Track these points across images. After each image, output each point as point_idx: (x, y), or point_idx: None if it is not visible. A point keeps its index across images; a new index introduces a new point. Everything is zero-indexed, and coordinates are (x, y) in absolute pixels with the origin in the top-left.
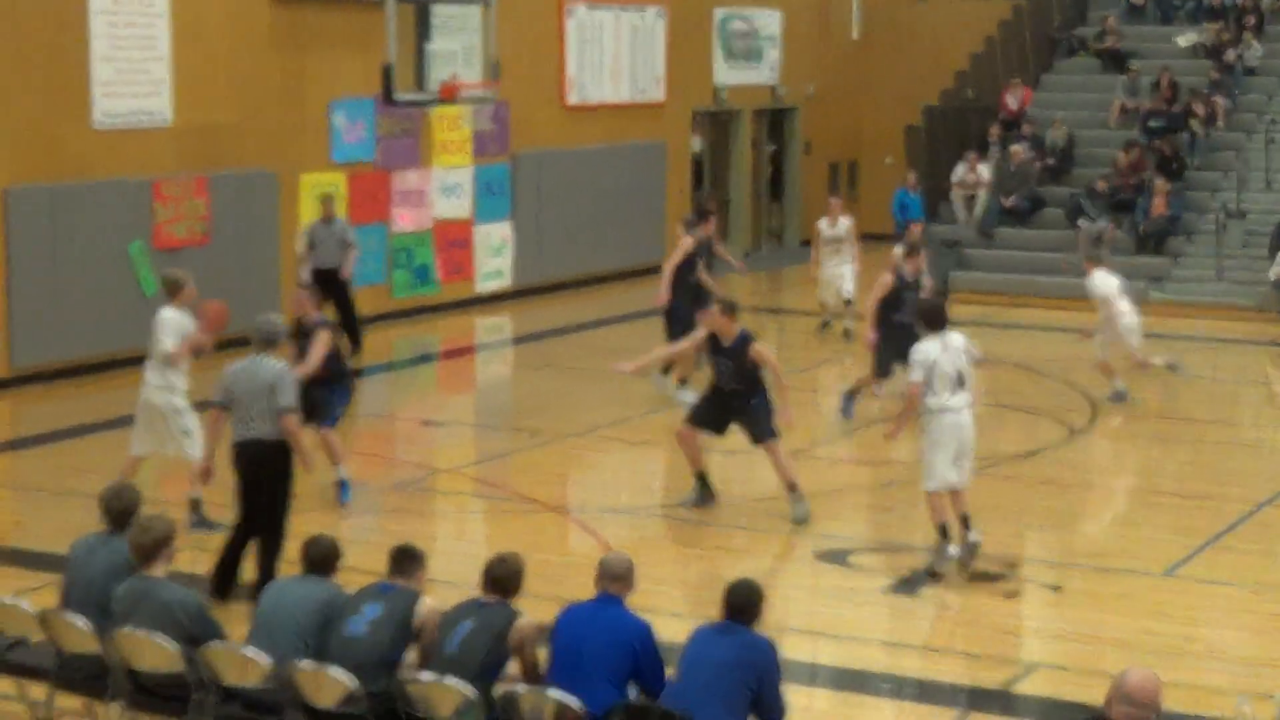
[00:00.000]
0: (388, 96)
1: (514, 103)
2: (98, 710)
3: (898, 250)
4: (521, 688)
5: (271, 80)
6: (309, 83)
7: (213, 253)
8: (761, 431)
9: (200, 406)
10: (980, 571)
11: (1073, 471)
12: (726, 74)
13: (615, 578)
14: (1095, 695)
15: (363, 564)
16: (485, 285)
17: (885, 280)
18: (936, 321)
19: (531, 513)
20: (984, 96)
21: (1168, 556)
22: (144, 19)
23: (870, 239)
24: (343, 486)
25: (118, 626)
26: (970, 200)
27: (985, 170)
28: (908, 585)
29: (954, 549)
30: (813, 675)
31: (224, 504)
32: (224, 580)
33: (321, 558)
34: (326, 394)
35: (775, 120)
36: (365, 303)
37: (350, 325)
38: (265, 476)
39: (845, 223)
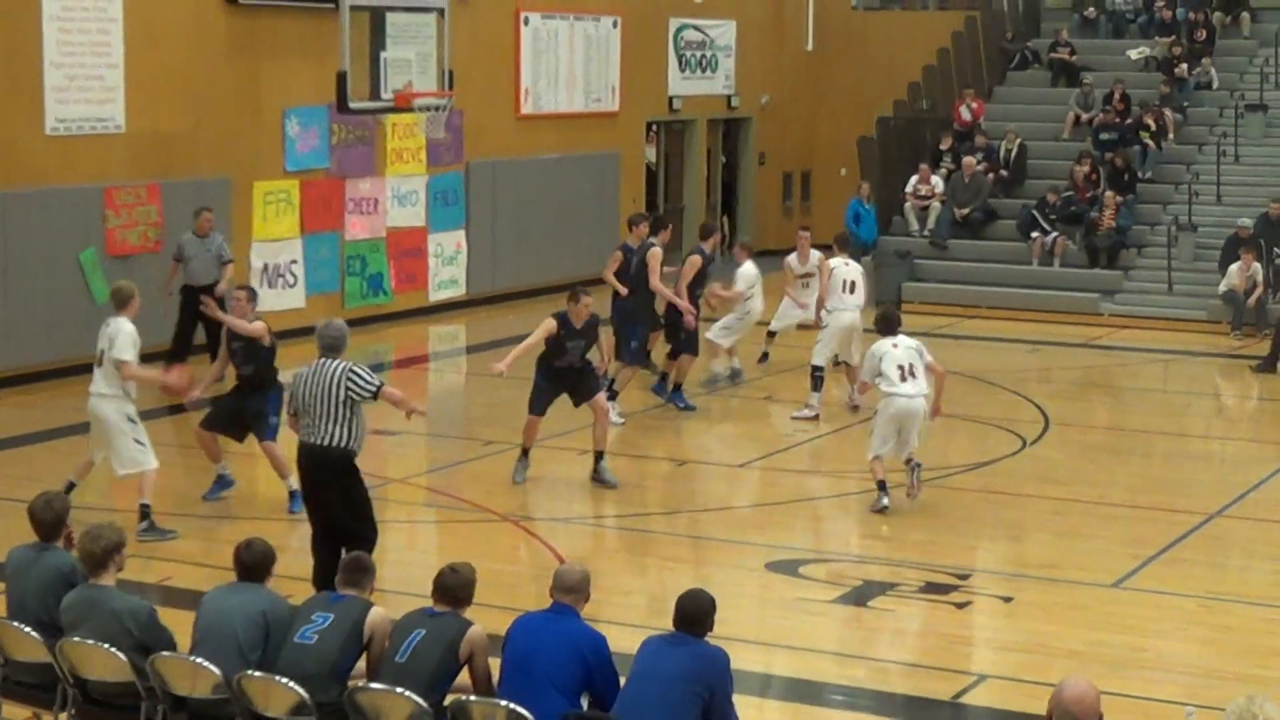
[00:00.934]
0: (342, 104)
1: (468, 112)
2: None
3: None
4: (472, 698)
5: (225, 87)
6: (263, 90)
7: (165, 260)
8: (595, 386)
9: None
10: (932, 583)
11: (1024, 482)
12: (681, 84)
13: (568, 589)
14: (1045, 707)
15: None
16: (439, 294)
17: (694, 260)
18: (889, 326)
19: (484, 522)
20: (937, 108)
21: (1118, 568)
22: (97, 25)
23: (824, 250)
24: (292, 497)
25: (66, 635)
26: (924, 211)
27: (938, 181)
28: (859, 596)
29: (886, 500)
30: (764, 686)
31: (175, 512)
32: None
33: (256, 563)
34: (261, 404)
35: (729, 130)
36: (318, 311)
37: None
38: (325, 483)
39: (816, 255)
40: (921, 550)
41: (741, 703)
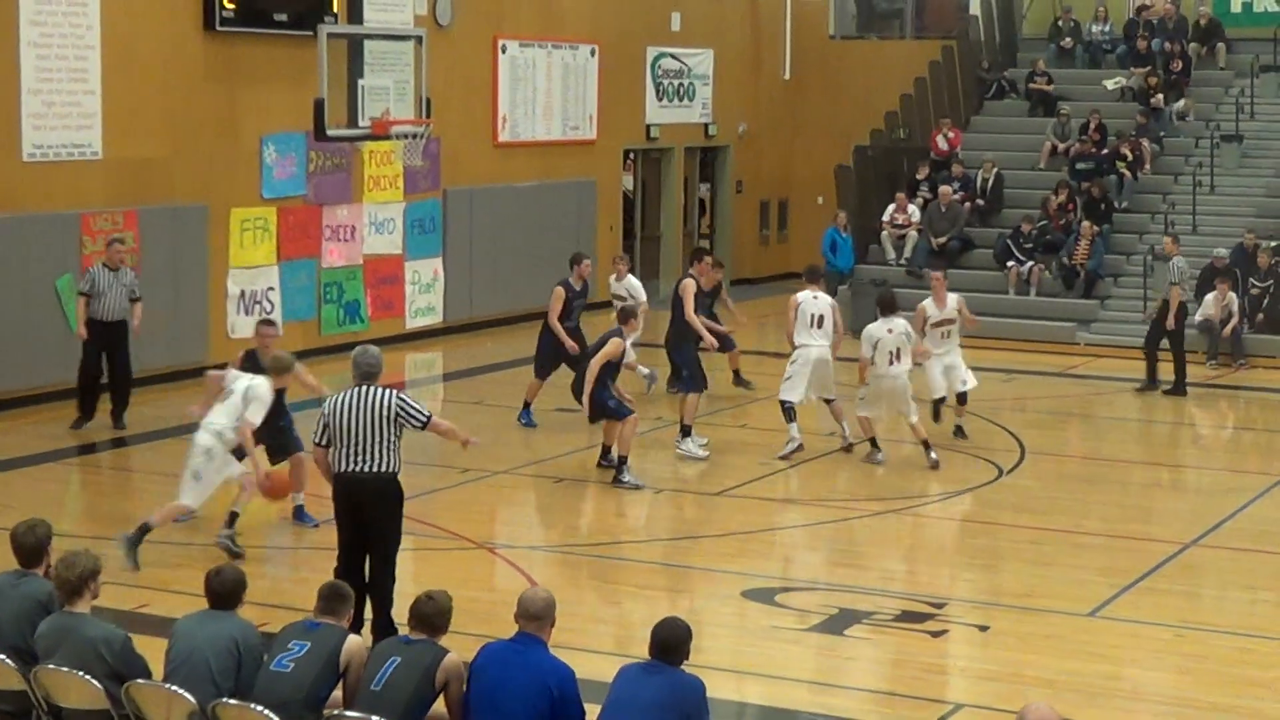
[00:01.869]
0: (319, 132)
1: (446, 139)
2: None
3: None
4: None
5: (203, 114)
6: (240, 117)
7: (142, 286)
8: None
9: None
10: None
11: (1000, 512)
12: (658, 112)
13: (533, 616)
14: None
15: (289, 601)
16: (415, 321)
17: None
18: (888, 307)
19: (459, 549)
20: (914, 137)
21: (1093, 597)
22: (75, 51)
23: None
24: (299, 511)
25: (41, 663)
26: (900, 240)
27: (915, 210)
28: (834, 625)
29: (881, 455)
30: (739, 714)
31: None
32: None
33: (227, 591)
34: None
35: (706, 159)
36: (294, 338)
37: (123, 384)
38: (372, 510)
39: (955, 299)
40: (897, 579)
41: None
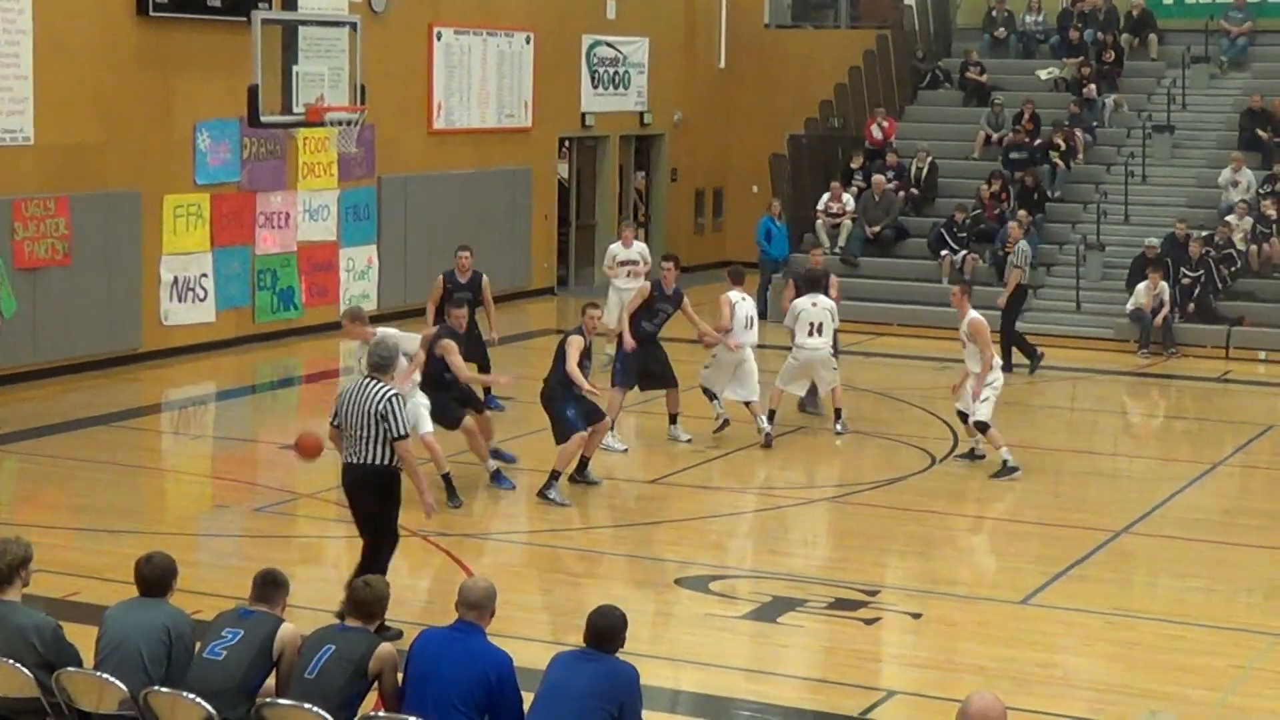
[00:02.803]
0: (253, 118)
1: (380, 126)
2: None
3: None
4: (382, 715)
5: (136, 100)
6: (174, 103)
7: (74, 273)
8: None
9: None
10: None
11: (933, 499)
12: (593, 100)
13: (472, 605)
14: None
15: (222, 589)
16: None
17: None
18: (815, 285)
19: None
20: (849, 126)
21: (1026, 584)
22: (6, 36)
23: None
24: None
25: None
26: (835, 229)
27: (850, 199)
28: (768, 612)
29: (769, 428)
30: (673, 702)
31: (87, 527)
32: None
33: (157, 578)
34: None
35: (642, 147)
36: (228, 325)
37: None
38: (362, 499)
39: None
40: (831, 567)
41: (651, 719)
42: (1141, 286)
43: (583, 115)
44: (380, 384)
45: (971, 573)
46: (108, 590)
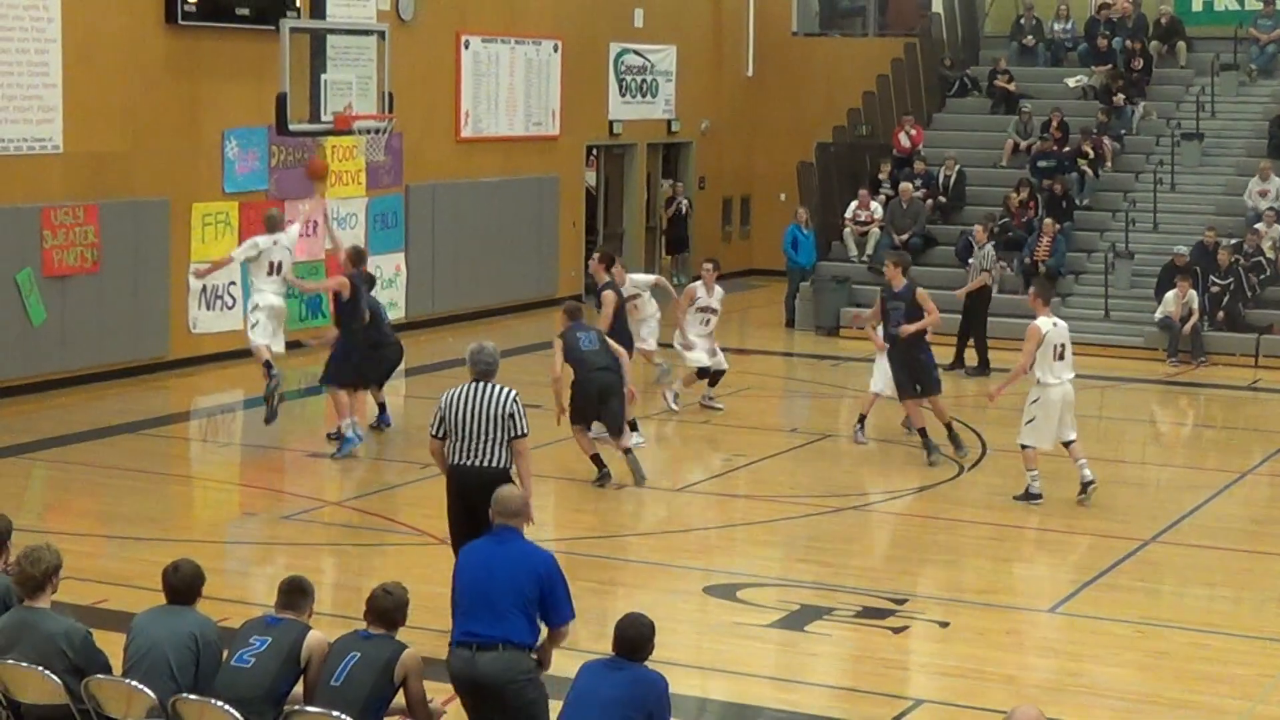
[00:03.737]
0: (282, 126)
1: (408, 134)
2: None
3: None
4: None
5: (165, 108)
6: (203, 111)
7: (103, 281)
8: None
9: None
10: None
11: (961, 508)
12: (621, 108)
13: (512, 513)
14: None
15: (250, 596)
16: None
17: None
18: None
19: (421, 545)
20: (877, 134)
21: (1054, 593)
22: (35, 45)
23: (763, 274)
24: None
25: (0, 658)
26: (863, 237)
27: (877, 207)
28: (796, 621)
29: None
30: (701, 710)
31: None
32: None
33: (185, 585)
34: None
35: (669, 155)
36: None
37: None
38: (483, 504)
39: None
40: (859, 575)
41: None
42: (1170, 295)
43: (610, 123)
44: (499, 385)
45: (1000, 581)
46: (136, 597)
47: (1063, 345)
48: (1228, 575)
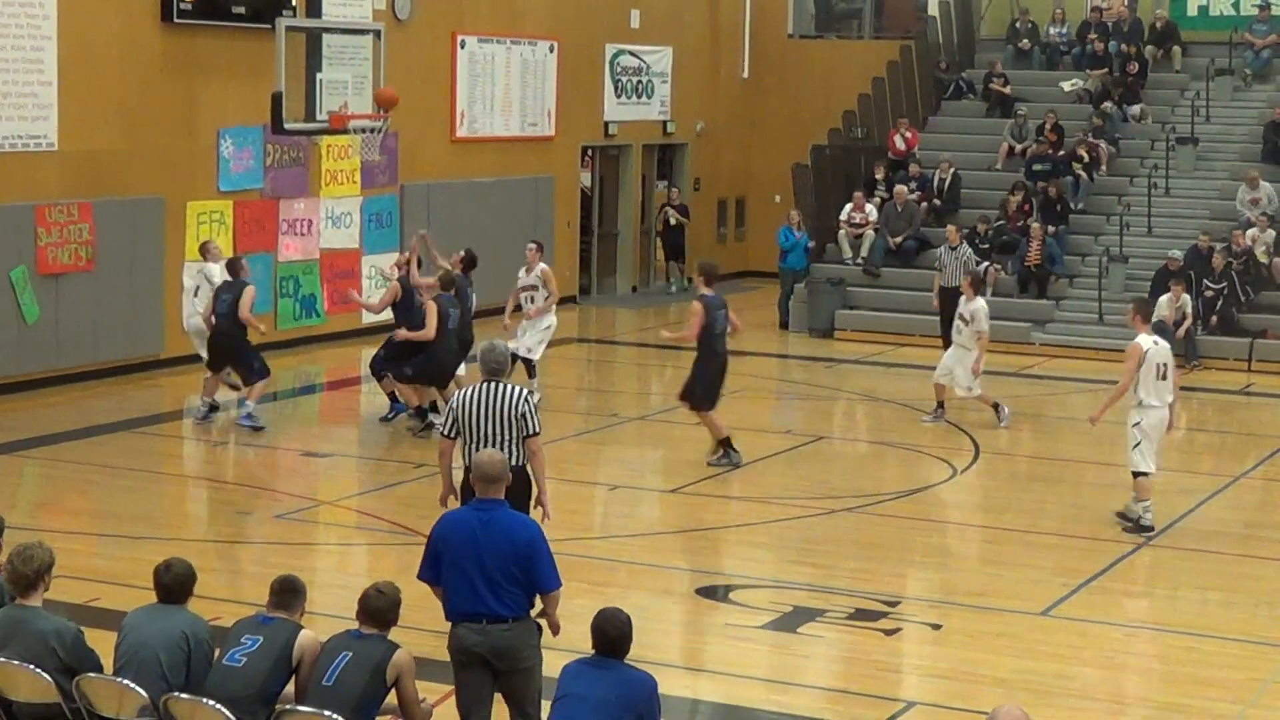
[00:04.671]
0: (277, 125)
1: (404, 134)
2: None
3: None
4: None
5: (160, 106)
6: (198, 109)
7: (97, 279)
8: None
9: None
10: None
11: (954, 510)
12: (617, 109)
13: (493, 479)
14: None
15: (242, 596)
16: (371, 316)
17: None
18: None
19: (414, 545)
20: (872, 136)
21: (1046, 596)
22: (31, 42)
23: (758, 276)
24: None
25: None
26: (858, 239)
27: (872, 210)
28: (788, 622)
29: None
30: (692, 712)
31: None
32: None
33: (176, 584)
34: None
35: (665, 156)
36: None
37: None
38: (515, 503)
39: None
40: (851, 577)
41: None
42: (1164, 299)
43: (606, 124)
44: (510, 385)
45: (992, 584)
46: (128, 596)
47: (1165, 365)
48: (1220, 579)
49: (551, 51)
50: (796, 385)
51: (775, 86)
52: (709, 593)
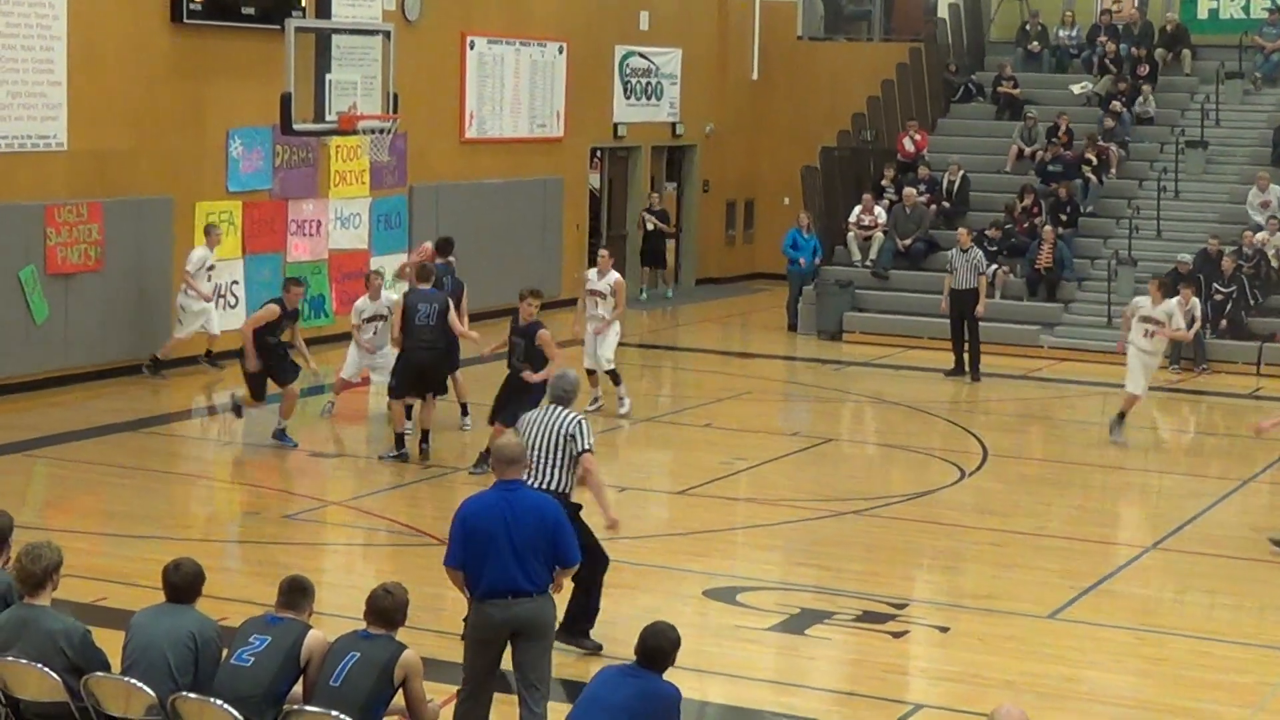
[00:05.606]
0: (286, 126)
1: (412, 135)
2: None
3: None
4: None
5: (169, 107)
6: (207, 110)
7: (106, 279)
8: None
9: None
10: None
11: (962, 513)
12: (626, 111)
13: (512, 461)
14: None
15: (250, 595)
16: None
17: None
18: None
19: (421, 545)
20: (881, 139)
21: (1054, 599)
22: (41, 43)
23: (766, 278)
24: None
25: (0, 655)
26: (866, 241)
27: (881, 212)
28: (796, 624)
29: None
30: (700, 713)
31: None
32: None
33: (185, 584)
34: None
35: (673, 158)
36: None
37: None
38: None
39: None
40: (859, 579)
41: None
42: (1173, 302)
43: (615, 126)
44: (569, 410)
45: (999, 587)
46: (136, 595)
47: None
48: (1228, 582)
49: (561, 53)
50: (805, 387)
51: (784, 88)
52: (717, 594)
